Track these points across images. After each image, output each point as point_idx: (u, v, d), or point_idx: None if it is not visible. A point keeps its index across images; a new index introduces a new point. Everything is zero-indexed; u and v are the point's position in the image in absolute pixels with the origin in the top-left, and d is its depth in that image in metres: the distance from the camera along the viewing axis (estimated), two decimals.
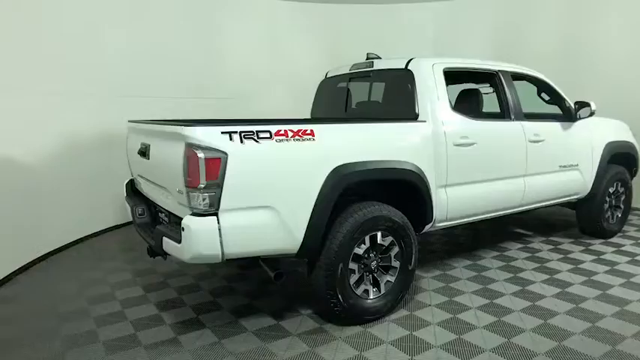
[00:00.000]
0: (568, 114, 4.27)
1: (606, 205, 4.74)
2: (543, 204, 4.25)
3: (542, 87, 4.36)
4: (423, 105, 3.29)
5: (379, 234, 2.97)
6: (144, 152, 3.01)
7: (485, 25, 7.19)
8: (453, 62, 3.59)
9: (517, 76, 4.14)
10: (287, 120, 3.27)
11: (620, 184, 4.83)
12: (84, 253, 4.59)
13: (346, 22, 7.24)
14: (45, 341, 2.81)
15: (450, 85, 3.50)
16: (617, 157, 4.77)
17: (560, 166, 4.19)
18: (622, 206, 4.92)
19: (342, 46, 7.03)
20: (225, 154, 2.40)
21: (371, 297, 2.99)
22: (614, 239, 4.78)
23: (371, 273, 3.01)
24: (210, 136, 2.40)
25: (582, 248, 4.52)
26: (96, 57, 4.85)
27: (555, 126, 4.18)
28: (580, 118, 4.30)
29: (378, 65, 3.73)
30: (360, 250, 2.91)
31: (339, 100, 4.14)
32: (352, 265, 2.89)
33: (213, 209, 2.41)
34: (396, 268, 3.08)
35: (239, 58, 6.53)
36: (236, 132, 2.45)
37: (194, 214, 2.43)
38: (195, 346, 2.73)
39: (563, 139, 4.22)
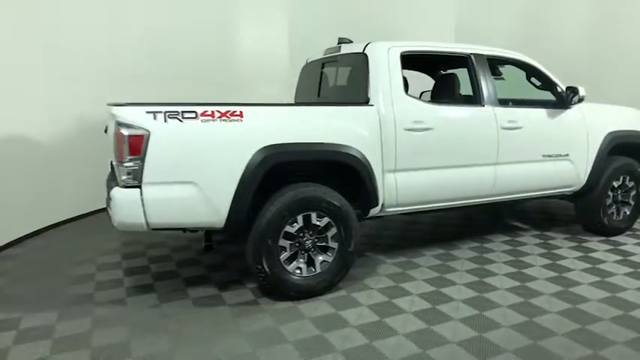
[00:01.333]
0: (559, 100, 4.01)
1: (608, 200, 4.39)
2: (527, 195, 4.05)
3: (530, 72, 4.12)
4: (374, 89, 3.30)
5: (314, 214, 3.05)
6: (106, 131, 3.33)
7: (510, 11, 6.81)
8: (413, 46, 3.53)
9: (500, 61, 3.97)
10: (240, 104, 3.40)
11: (628, 178, 4.45)
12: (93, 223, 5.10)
13: (364, 6, 7.11)
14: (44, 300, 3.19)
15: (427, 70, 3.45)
16: (625, 148, 4.39)
17: (544, 156, 3.96)
18: (632, 202, 4.53)
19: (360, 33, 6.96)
20: (148, 131, 2.62)
21: (303, 274, 3.09)
22: (617, 238, 4.43)
23: (306, 252, 3.11)
24: (135, 115, 2.63)
25: (573, 244, 4.24)
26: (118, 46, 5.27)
27: (539, 113, 3.95)
28: (572, 105, 4.03)
29: (344, 50, 3.75)
30: (292, 229, 3.01)
31: (314, 85, 4.22)
32: (283, 242, 3.00)
33: (136, 182, 2.64)
34: (334, 249, 3.15)
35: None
36: (160, 112, 2.66)
37: (121, 186, 2.68)
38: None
39: (549, 127, 3.98)
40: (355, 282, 3.38)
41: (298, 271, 3.08)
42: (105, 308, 3.01)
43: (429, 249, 4.11)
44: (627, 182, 4.47)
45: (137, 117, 2.63)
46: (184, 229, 2.97)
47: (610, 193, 4.40)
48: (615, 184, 4.39)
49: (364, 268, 3.66)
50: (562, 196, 4.41)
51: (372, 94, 3.29)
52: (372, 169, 3.19)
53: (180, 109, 2.70)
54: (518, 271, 3.59)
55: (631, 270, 3.60)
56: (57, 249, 4.24)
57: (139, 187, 2.65)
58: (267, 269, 2.94)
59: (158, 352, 2.49)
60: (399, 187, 3.36)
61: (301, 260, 3.09)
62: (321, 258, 3.13)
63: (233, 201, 2.80)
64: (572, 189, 4.26)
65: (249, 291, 3.26)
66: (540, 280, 3.42)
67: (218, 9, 6.24)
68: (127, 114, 2.63)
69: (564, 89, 4.00)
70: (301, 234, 3.06)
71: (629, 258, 3.88)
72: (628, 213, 4.54)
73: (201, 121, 2.73)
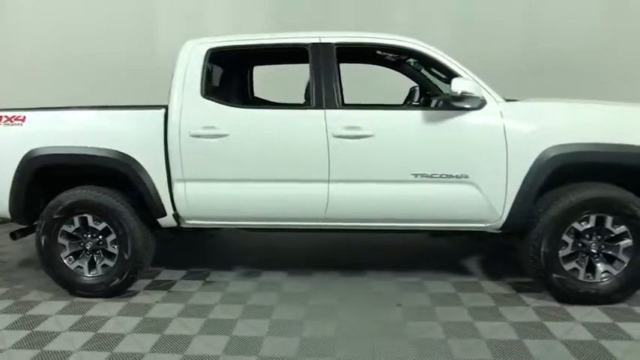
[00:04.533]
0: (454, 99, 2.83)
1: (565, 250, 2.87)
2: (397, 226, 3.04)
3: (425, 62, 3.04)
4: (171, 90, 3.07)
5: (90, 217, 3.09)
6: None
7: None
8: (229, 41, 3.10)
9: (364, 49, 3.09)
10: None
11: (612, 220, 2.81)
12: None
13: None
14: None
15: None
16: (595, 171, 2.82)
17: (415, 175, 2.88)
18: (622, 258, 2.84)
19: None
20: None
21: (86, 274, 3.16)
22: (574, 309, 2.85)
23: (92, 253, 3.18)
24: None
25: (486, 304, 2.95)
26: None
27: (407, 116, 2.90)
28: (481, 106, 2.81)
29: None
30: (69, 229, 3.13)
31: None
32: (62, 240, 3.14)
33: None
34: (115, 254, 3.12)
35: None
36: None
37: None
38: None
39: (428, 136, 2.87)
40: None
41: (80, 270, 3.17)
42: None
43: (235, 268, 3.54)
44: (612, 226, 2.82)
45: None
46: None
47: (568, 240, 2.86)
48: (577, 226, 2.83)
49: None
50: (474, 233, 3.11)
51: (170, 96, 3.07)
52: (149, 177, 3.01)
53: None
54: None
55: None
56: None
57: None
58: (49, 267, 3.15)
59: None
60: (189, 199, 3.05)
61: (84, 260, 3.17)
62: (103, 261, 3.15)
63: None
64: (485, 225, 2.97)
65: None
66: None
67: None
68: None
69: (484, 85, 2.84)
70: (84, 235, 3.14)
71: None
72: (617, 274, 2.87)
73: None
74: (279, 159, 2.95)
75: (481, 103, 2.83)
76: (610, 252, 2.88)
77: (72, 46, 5.60)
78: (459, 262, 3.74)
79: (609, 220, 2.82)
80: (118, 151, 2.99)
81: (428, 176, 2.88)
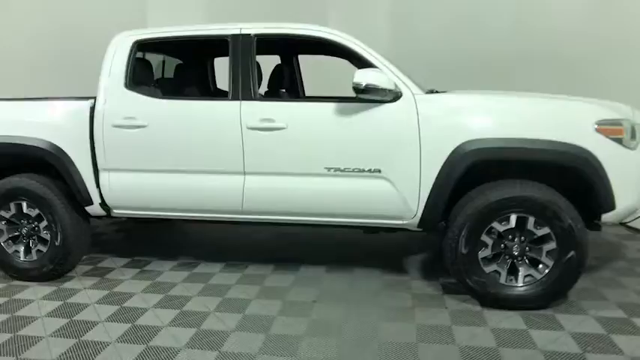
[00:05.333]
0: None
1: (484, 252, 2.72)
2: (315, 220, 2.98)
3: (344, 54, 2.96)
4: (99, 82, 3.14)
5: (24, 204, 3.22)
6: None
7: None
8: (153, 32, 3.13)
9: (286, 39, 3.04)
10: None
11: (534, 221, 2.64)
12: None
13: None
14: None
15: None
16: (523, 167, 2.67)
17: (328, 169, 2.82)
18: (546, 261, 2.66)
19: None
20: None
21: (21, 258, 3.29)
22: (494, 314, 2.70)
23: (28, 238, 3.30)
24: None
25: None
26: None
27: (320, 109, 2.82)
28: (395, 99, 2.71)
29: None
30: (6, 215, 3.26)
31: None
32: (0, 225, 3.29)
33: None
34: (47, 240, 3.23)
35: None
36: None
37: None
38: None
39: (341, 129, 2.79)
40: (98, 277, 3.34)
41: (17, 254, 3.30)
42: None
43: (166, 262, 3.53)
44: (532, 227, 2.64)
45: None
46: None
47: (488, 241, 2.71)
48: (500, 226, 2.67)
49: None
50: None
51: (98, 87, 3.15)
52: (75, 166, 3.09)
53: None
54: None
55: None
56: None
57: None
58: None
59: None
60: (113, 188, 3.11)
61: (20, 244, 3.31)
62: (38, 247, 3.27)
63: None
64: (402, 222, 2.86)
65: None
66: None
67: None
68: None
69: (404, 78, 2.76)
70: (19, 220, 3.26)
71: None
72: (539, 278, 2.69)
73: None
74: (196, 150, 2.96)
75: (395, 96, 2.72)
76: (534, 255, 2.71)
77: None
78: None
79: (531, 221, 2.65)
80: (45, 141, 3.09)
81: (341, 170, 2.81)
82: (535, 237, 2.68)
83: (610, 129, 2.58)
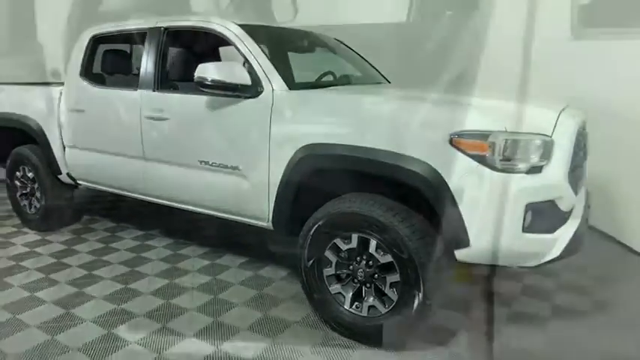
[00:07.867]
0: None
1: (329, 270, 2.42)
2: (196, 209, 3.03)
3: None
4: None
5: (26, 168, 4.02)
6: None
7: None
8: (106, 27, 3.52)
9: (191, 33, 3.10)
10: None
11: (374, 243, 2.25)
12: None
13: None
14: None
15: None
16: (372, 181, 2.31)
17: (201, 162, 2.83)
18: (390, 294, 2.25)
19: None
20: None
21: (28, 211, 4.14)
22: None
23: (32, 195, 4.13)
24: None
25: None
26: None
27: (197, 102, 2.81)
28: (256, 94, 2.58)
29: None
30: (19, 174, 4.12)
31: None
32: (16, 183, 4.18)
33: None
34: (39, 198, 4.00)
35: None
36: None
37: None
38: None
39: (210, 123, 2.76)
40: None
41: (26, 207, 4.17)
42: None
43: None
44: (374, 251, 2.25)
45: None
46: None
47: (332, 259, 2.40)
48: (342, 244, 2.34)
49: None
50: None
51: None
52: (48, 140, 3.72)
53: None
54: None
55: None
56: None
57: None
58: None
59: None
60: (69, 162, 3.67)
61: (26, 200, 4.16)
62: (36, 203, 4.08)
63: None
64: (261, 223, 2.71)
65: None
66: None
67: None
68: None
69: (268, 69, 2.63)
70: None
71: None
72: (384, 313, 2.29)
73: None
74: (113, 134, 3.30)
75: (256, 91, 2.57)
76: (379, 284, 2.30)
77: None
78: None
79: (373, 244, 2.25)
80: (30, 117, 3.80)
81: (209, 165, 2.80)
82: (379, 264, 2.27)
83: (470, 143, 2.00)
